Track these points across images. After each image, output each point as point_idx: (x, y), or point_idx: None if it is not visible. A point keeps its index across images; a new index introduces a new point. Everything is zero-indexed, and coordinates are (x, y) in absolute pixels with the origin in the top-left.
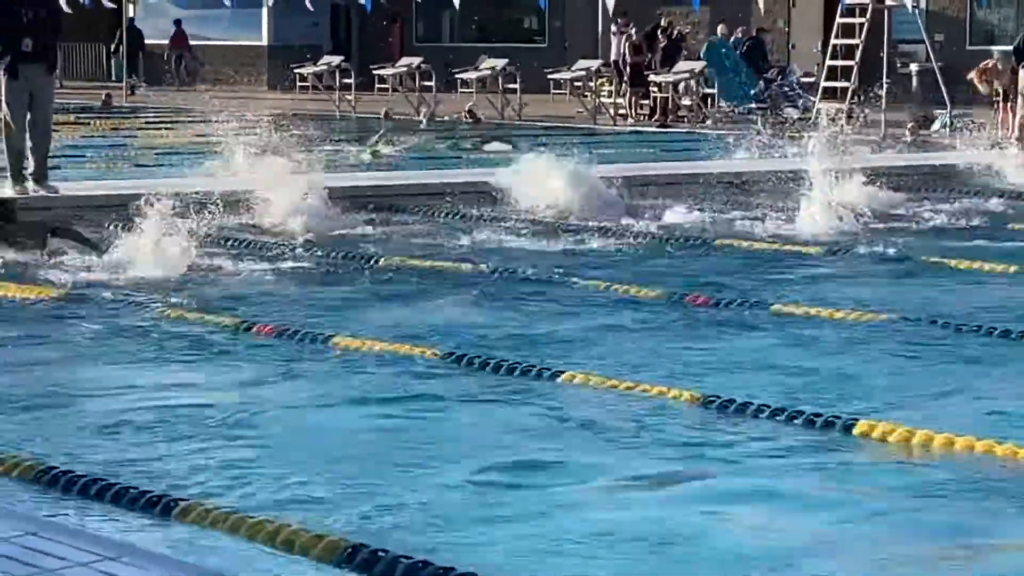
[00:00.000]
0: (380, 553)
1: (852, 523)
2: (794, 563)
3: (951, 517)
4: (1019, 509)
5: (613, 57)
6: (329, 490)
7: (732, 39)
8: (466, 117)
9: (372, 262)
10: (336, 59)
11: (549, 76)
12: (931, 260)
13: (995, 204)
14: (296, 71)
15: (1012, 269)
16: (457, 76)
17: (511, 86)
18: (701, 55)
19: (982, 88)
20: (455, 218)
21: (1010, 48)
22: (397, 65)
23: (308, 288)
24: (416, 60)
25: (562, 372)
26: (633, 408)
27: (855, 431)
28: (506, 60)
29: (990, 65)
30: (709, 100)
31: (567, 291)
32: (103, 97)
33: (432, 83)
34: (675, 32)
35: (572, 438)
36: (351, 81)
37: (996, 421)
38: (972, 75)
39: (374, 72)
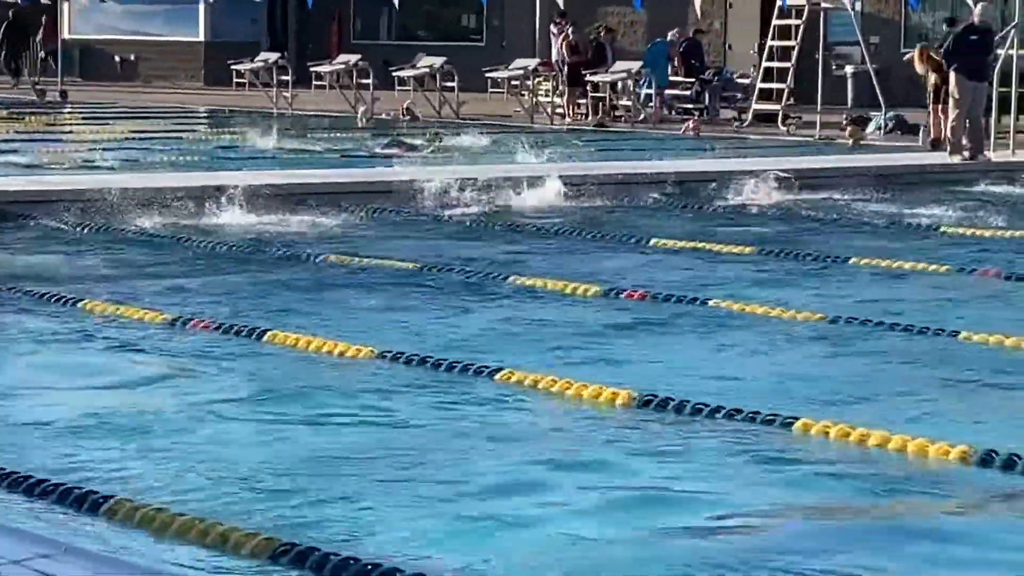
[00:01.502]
0: (311, 550)
1: (792, 520)
2: (732, 561)
3: (889, 512)
4: (946, 502)
5: (555, 57)
6: (259, 488)
7: (669, 40)
8: (403, 115)
9: (306, 258)
10: (273, 56)
11: (487, 75)
12: (862, 261)
13: (926, 205)
14: (233, 68)
15: (942, 267)
16: (395, 74)
17: (449, 84)
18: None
19: (919, 68)
20: (380, 214)
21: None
22: (334, 62)
23: (244, 284)
24: (354, 58)
25: (499, 370)
26: (568, 407)
27: (793, 429)
28: (444, 58)
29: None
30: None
31: (501, 288)
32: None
33: (369, 81)
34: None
35: (508, 437)
36: (288, 78)
37: (933, 419)
38: (913, 54)
39: (311, 69)
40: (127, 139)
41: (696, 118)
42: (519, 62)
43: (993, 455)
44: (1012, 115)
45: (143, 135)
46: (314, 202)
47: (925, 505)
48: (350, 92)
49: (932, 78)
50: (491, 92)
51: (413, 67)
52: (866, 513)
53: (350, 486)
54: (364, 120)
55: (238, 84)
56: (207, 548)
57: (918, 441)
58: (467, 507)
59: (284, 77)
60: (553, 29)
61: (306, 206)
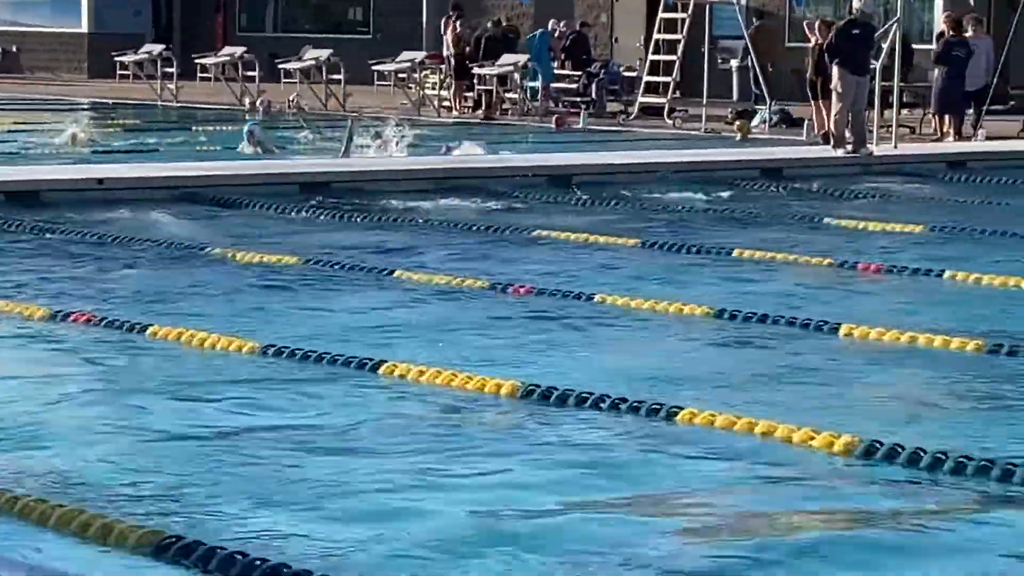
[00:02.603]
0: (197, 544)
1: (678, 511)
2: (622, 550)
3: (773, 501)
4: (826, 493)
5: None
6: (142, 481)
7: (556, 33)
8: (290, 108)
9: (190, 252)
10: (158, 48)
11: (373, 68)
12: (747, 254)
13: (810, 198)
14: (117, 59)
15: (825, 260)
16: (281, 66)
17: (335, 77)
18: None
19: (812, 39)
20: (267, 208)
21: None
22: (220, 55)
23: (126, 278)
24: (239, 50)
25: (384, 363)
26: (454, 399)
27: (678, 418)
28: (330, 51)
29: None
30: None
31: (388, 281)
32: None
33: (255, 73)
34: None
35: (393, 430)
36: (173, 70)
37: (817, 411)
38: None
39: (196, 61)
40: (9, 131)
41: (560, 115)
42: (406, 55)
43: (877, 446)
44: (894, 109)
45: (24, 127)
46: (199, 195)
47: (809, 495)
48: (236, 84)
49: (809, 71)
50: (378, 85)
51: (299, 60)
52: (749, 502)
53: (234, 481)
54: (262, 111)
55: (122, 76)
56: (89, 541)
57: (803, 431)
58: (350, 500)
59: (168, 69)
60: (444, 21)
61: (191, 200)
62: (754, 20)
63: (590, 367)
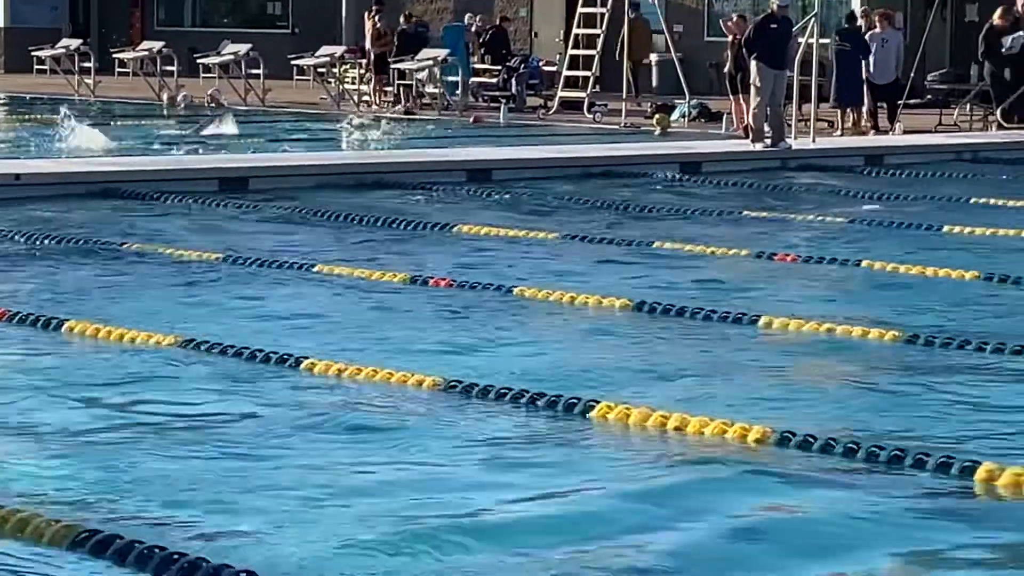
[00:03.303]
0: (113, 538)
1: (595, 505)
2: (540, 544)
3: (689, 493)
4: (740, 484)
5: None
6: (59, 477)
7: (473, 27)
8: (209, 103)
9: (108, 247)
10: (75, 42)
11: (293, 62)
12: (667, 246)
13: (729, 191)
14: (34, 54)
15: (743, 252)
16: (200, 61)
17: (254, 71)
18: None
19: (729, 34)
20: (186, 203)
21: None
22: (137, 49)
23: (42, 273)
24: (157, 44)
25: (305, 358)
26: (376, 394)
27: (594, 413)
28: (249, 45)
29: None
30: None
31: (309, 275)
32: None
33: (174, 68)
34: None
35: (313, 426)
36: (91, 65)
37: (733, 402)
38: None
39: (114, 56)
40: None
41: (478, 111)
42: (325, 49)
43: (790, 436)
44: (812, 103)
45: None
46: (118, 190)
47: (724, 486)
48: (154, 79)
49: (728, 66)
50: (297, 79)
51: (218, 54)
52: (667, 493)
53: (152, 476)
54: (182, 105)
55: (39, 70)
56: (4, 536)
57: (716, 423)
58: (269, 496)
59: (86, 64)
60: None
61: (110, 195)
62: (629, 12)
63: (509, 361)
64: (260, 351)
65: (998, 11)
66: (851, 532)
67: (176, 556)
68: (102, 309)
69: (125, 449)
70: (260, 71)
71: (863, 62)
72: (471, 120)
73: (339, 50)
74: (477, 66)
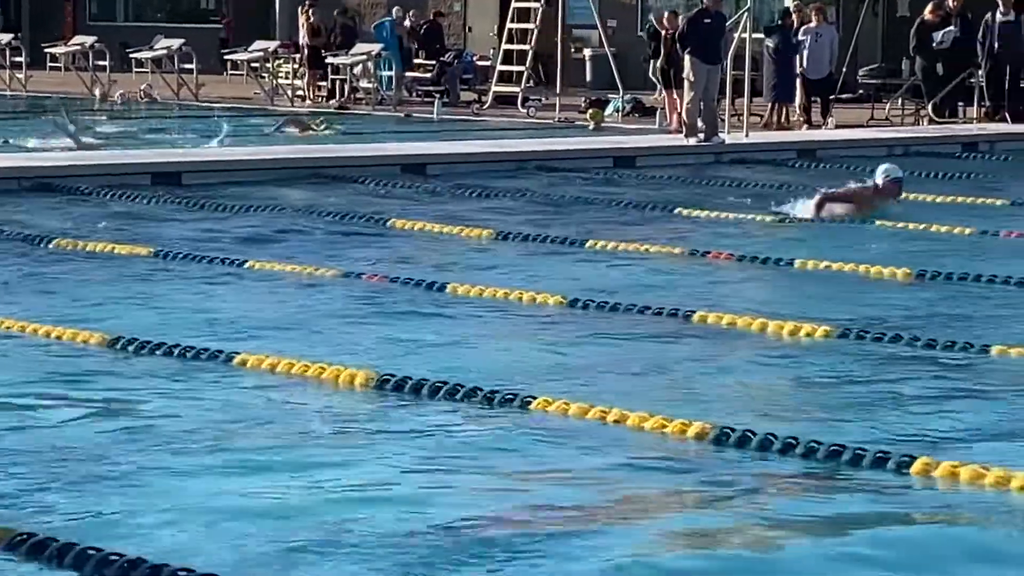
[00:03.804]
0: (49, 540)
1: (532, 499)
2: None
3: (627, 488)
4: (678, 479)
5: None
6: None
7: (407, 22)
8: (142, 97)
9: (41, 243)
10: (6, 37)
11: (226, 57)
12: (599, 243)
13: (662, 187)
14: None
15: (676, 248)
16: (132, 56)
17: (187, 66)
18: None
19: (662, 29)
20: (118, 198)
21: None
22: (69, 44)
23: None
24: (89, 39)
25: (237, 354)
26: (308, 389)
27: (532, 407)
28: (182, 40)
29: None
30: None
31: (241, 271)
32: None
33: (106, 63)
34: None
35: (245, 421)
36: (22, 59)
37: (669, 397)
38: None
39: (46, 51)
40: None
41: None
42: (259, 44)
43: (729, 432)
44: (745, 98)
45: None
46: (50, 185)
47: (663, 480)
48: (86, 74)
49: (661, 60)
50: (230, 74)
51: (151, 49)
52: (604, 489)
53: (83, 476)
54: (119, 102)
55: None
56: None
57: (656, 419)
58: (199, 493)
59: (17, 59)
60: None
61: (41, 190)
62: (542, 3)
63: (444, 356)
64: (191, 347)
65: (929, 6)
66: (788, 526)
67: (113, 556)
68: (30, 305)
69: (54, 449)
70: (193, 66)
71: (795, 58)
72: (402, 115)
73: (272, 45)
74: (415, 61)
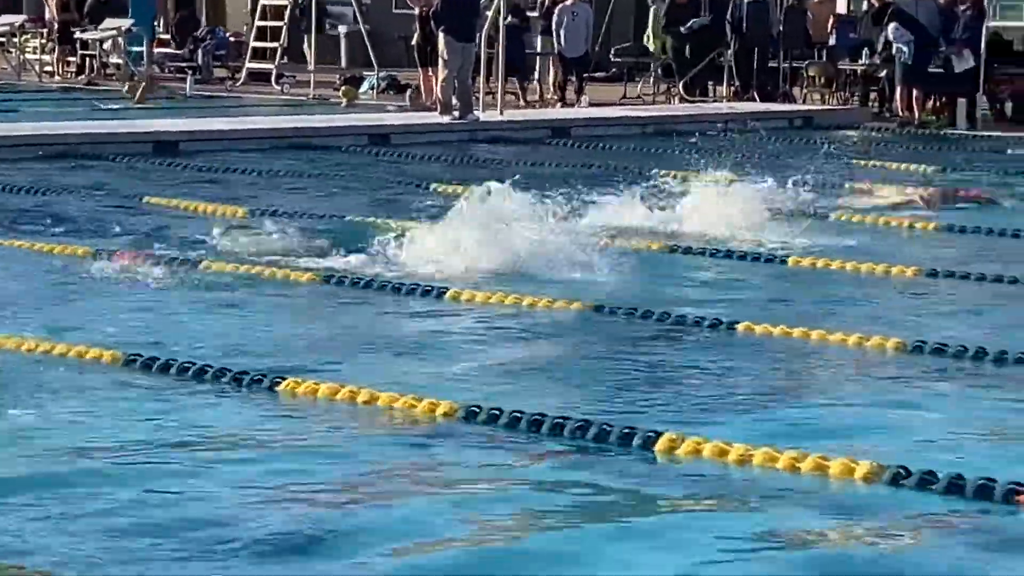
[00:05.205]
0: None
1: (283, 480)
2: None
3: (374, 465)
4: (425, 456)
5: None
6: None
7: None
8: None
9: None
10: None
11: None
12: (354, 220)
13: (417, 163)
14: None
15: (428, 225)
16: None
17: None
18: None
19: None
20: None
21: None
22: None
23: None
24: None
25: None
26: (55, 368)
27: (281, 388)
28: None
29: None
30: None
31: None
32: None
33: None
34: None
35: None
36: None
37: (420, 377)
38: None
39: None
40: None
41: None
42: (5, 18)
43: (476, 410)
44: (500, 76)
45: None
46: None
47: (411, 456)
48: None
49: (416, 37)
50: None
51: None
52: (351, 469)
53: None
54: None
55: None
56: None
57: (405, 398)
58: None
59: None
60: None
61: None
62: None
63: (195, 335)
64: None
65: None
66: (546, 505)
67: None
68: None
69: None
70: None
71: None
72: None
73: (19, 19)
74: (163, 36)
